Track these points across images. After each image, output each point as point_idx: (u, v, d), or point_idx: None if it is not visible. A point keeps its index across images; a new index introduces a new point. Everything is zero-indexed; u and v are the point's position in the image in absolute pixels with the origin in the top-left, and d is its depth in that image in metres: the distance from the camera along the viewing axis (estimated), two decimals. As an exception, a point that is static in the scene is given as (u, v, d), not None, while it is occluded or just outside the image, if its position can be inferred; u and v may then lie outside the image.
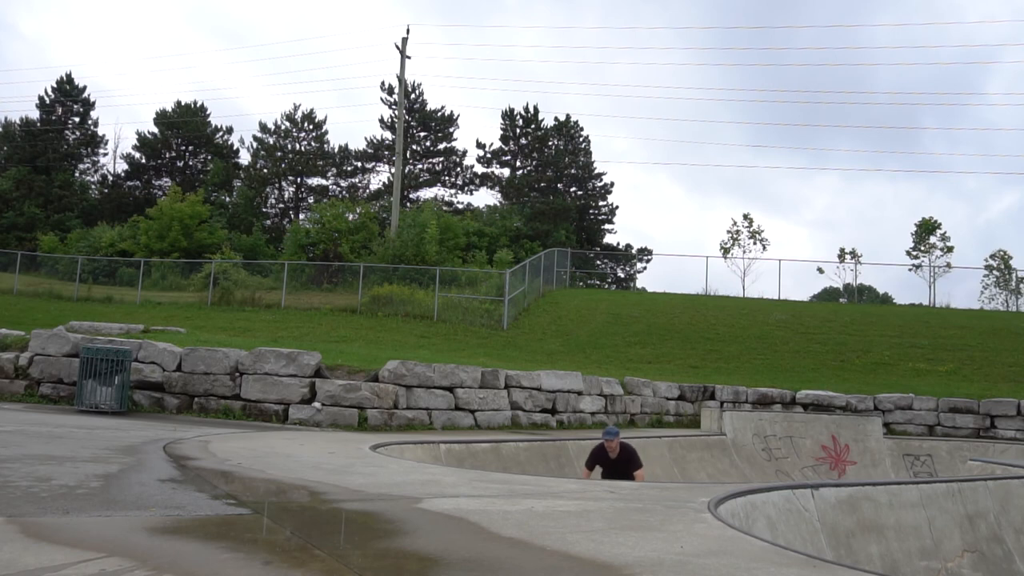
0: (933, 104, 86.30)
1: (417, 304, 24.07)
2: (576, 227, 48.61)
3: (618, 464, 8.64)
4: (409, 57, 35.17)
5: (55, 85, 51.54)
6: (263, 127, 52.17)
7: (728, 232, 40.29)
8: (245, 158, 53.82)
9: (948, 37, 79.82)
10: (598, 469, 9.03)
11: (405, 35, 35.23)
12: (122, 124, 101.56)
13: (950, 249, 38.14)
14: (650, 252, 49.83)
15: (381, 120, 52.39)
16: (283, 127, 52.02)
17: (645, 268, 50.44)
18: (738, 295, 33.46)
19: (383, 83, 50.00)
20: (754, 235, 39.64)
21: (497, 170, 52.79)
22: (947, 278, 53.07)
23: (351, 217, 35.83)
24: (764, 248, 40.13)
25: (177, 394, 10.92)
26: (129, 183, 53.70)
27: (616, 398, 14.62)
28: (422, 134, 52.80)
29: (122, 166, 53.96)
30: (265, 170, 50.99)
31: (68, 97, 51.65)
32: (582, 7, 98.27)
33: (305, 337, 19.18)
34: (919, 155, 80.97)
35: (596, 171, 51.68)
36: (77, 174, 51.94)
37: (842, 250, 37.51)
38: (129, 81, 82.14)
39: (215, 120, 54.79)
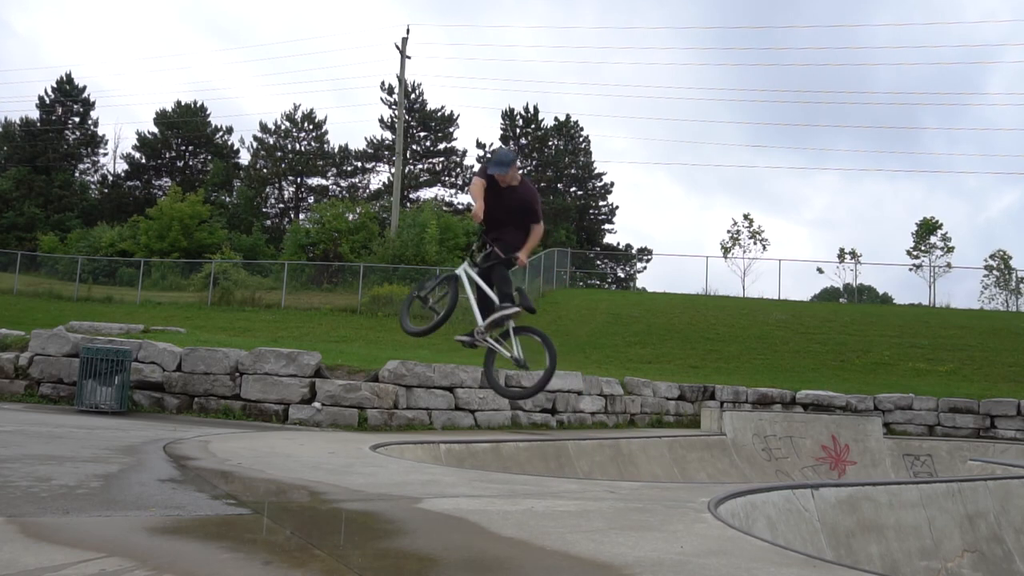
0: (933, 104, 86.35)
1: (417, 304, 24.05)
2: (576, 227, 48.65)
3: (513, 203, 6.06)
4: (409, 57, 35.19)
5: (55, 85, 51.58)
6: (263, 127, 52.26)
7: (728, 232, 40.36)
8: (245, 158, 53.89)
9: (948, 36, 79.87)
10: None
11: (405, 35, 35.26)
12: (122, 124, 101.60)
13: (951, 249, 38.18)
14: (650, 252, 49.92)
15: (381, 120, 52.47)
16: (283, 127, 52.06)
17: (645, 268, 50.55)
18: (738, 295, 33.47)
19: (383, 83, 50.06)
20: (754, 235, 39.71)
21: (497, 170, 52.77)
22: (947, 278, 53.09)
23: (351, 217, 35.86)
24: (764, 248, 40.19)
25: (177, 394, 10.92)
26: (129, 183, 53.72)
27: (616, 398, 14.62)
28: (422, 134, 52.82)
29: (122, 166, 54.04)
30: (265, 170, 51.02)
31: (68, 97, 51.66)
32: (579, 6, 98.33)
33: (305, 337, 19.18)
34: (919, 155, 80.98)
35: (596, 171, 51.74)
36: (77, 174, 51.97)
37: (841, 250, 37.56)
38: (126, 81, 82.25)
39: (215, 120, 54.87)
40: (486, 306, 6.21)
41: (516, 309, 6.02)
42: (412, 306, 6.76)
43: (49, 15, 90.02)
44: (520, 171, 6.25)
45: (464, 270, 6.38)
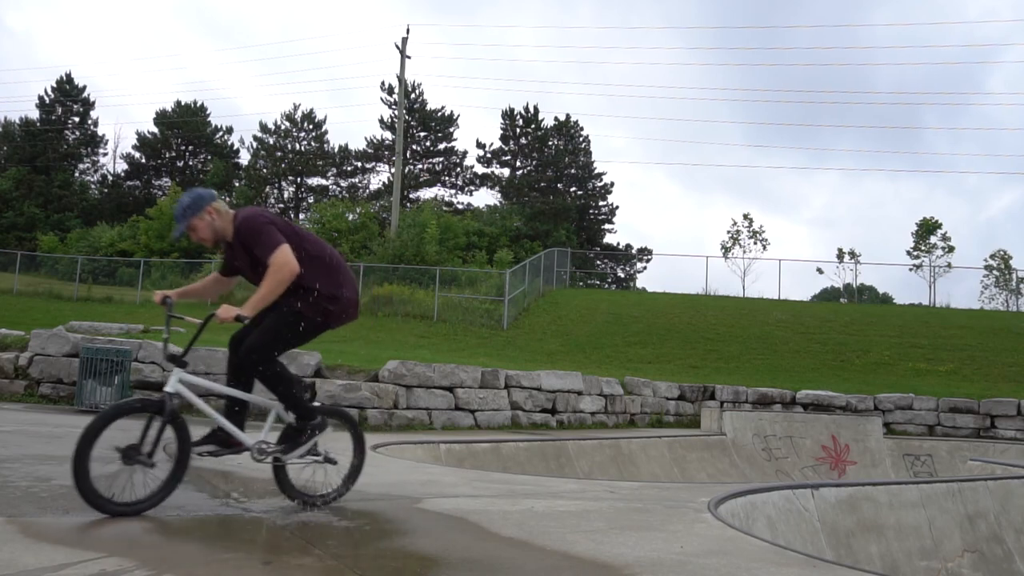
0: (935, 103, 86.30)
1: (417, 304, 24.08)
2: (576, 227, 48.61)
3: (243, 259, 4.46)
4: (409, 57, 35.17)
5: (55, 85, 51.60)
6: (263, 127, 52.25)
7: (728, 232, 40.34)
8: (245, 158, 53.90)
9: (949, 35, 79.85)
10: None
11: (405, 35, 35.24)
12: (122, 124, 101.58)
13: (951, 249, 38.11)
14: (650, 252, 49.88)
15: (381, 120, 52.45)
16: (283, 127, 52.07)
17: (645, 268, 50.44)
18: (738, 295, 33.44)
19: (383, 83, 50.05)
20: (754, 235, 39.66)
21: (497, 170, 52.84)
22: (947, 278, 52.88)
23: (351, 217, 35.89)
24: (764, 248, 40.09)
25: (177, 394, 10.91)
26: (129, 183, 53.75)
27: (616, 398, 14.62)
28: (422, 134, 52.80)
29: (122, 166, 54.06)
30: (265, 170, 51.03)
31: (68, 97, 51.67)
32: (577, 4, 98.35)
33: (305, 337, 19.07)
34: (920, 154, 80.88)
35: (596, 171, 51.71)
36: (77, 174, 51.98)
37: (840, 250, 37.51)
38: (123, 81, 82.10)
39: (215, 120, 54.91)
40: (237, 409, 4.41)
41: (326, 429, 4.58)
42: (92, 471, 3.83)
43: (43, 13, 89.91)
44: (230, 212, 4.47)
45: (179, 380, 4.08)
